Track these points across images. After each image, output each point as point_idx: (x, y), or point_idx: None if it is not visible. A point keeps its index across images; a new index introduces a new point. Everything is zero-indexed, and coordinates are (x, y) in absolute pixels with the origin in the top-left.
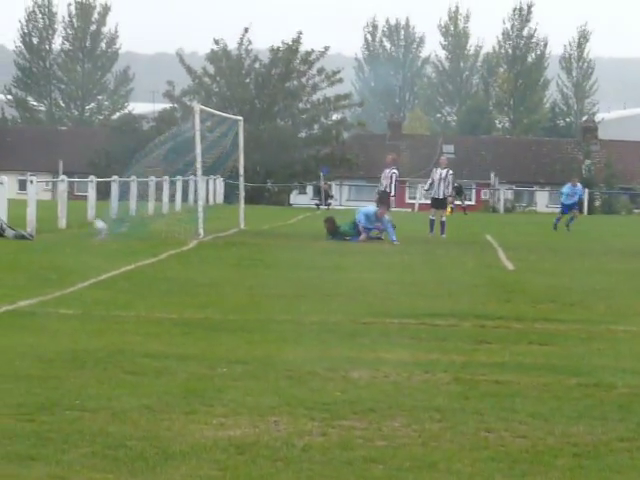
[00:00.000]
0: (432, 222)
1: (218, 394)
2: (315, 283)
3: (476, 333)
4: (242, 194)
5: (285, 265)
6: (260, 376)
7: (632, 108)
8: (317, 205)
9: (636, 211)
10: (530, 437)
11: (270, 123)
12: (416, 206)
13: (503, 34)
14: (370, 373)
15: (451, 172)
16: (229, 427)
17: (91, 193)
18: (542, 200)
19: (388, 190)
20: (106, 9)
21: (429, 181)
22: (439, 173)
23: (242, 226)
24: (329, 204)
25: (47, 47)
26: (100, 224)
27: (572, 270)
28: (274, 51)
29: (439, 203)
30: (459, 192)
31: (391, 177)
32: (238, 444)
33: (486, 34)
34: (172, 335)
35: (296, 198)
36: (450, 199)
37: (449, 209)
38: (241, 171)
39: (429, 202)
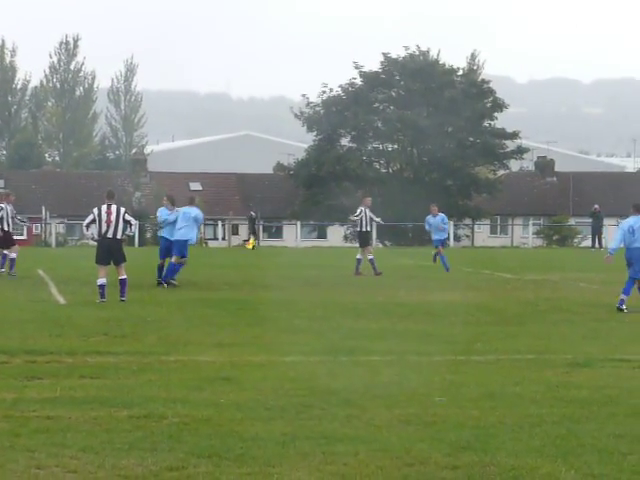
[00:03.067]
0: None
1: None
2: None
3: (27, 369)
4: None
5: None
6: None
7: (180, 140)
8: None
9: (213, 243)
10: (81, 471)
11: None
12: None
13: (50, 68)
14: None
15: None
16: None
17: None
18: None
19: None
20: None
21: None
22: None
23: None
24: None
25: None
26: None
27: (123, 302)
28: None
29: None
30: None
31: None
32: None
33: (33, 68)
34: None
35: None
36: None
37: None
38: None
39: None
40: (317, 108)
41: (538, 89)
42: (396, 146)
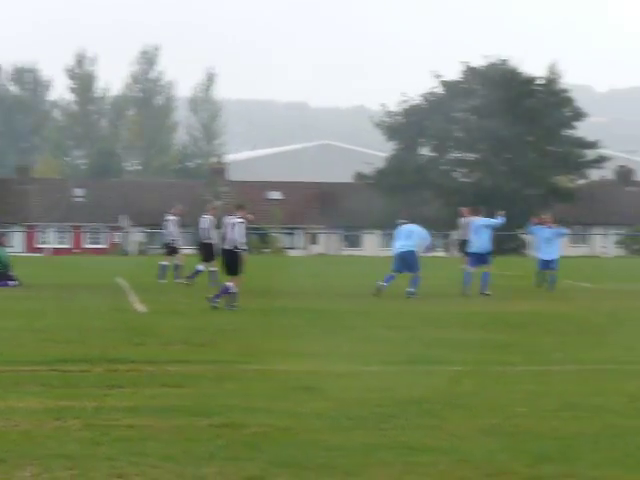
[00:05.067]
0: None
1: None
2: None
3: (108, 378)
4: None
5: None
6: None
7: (260, 149)
8: None
9: (266, 250)
10: None
11: None
12: (47, 251)
13: (130, 77)
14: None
15: None
16: None
17: None
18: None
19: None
20: None
21: None
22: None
23: None
24: None
25: None
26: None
27: (203, 310)
28: None
29: None
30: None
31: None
32: None
33: (114, 77)
34: None
35: None
36: None
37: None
38: None
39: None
40: (397, 117)
41: (618, 98)
42: (476, 155)
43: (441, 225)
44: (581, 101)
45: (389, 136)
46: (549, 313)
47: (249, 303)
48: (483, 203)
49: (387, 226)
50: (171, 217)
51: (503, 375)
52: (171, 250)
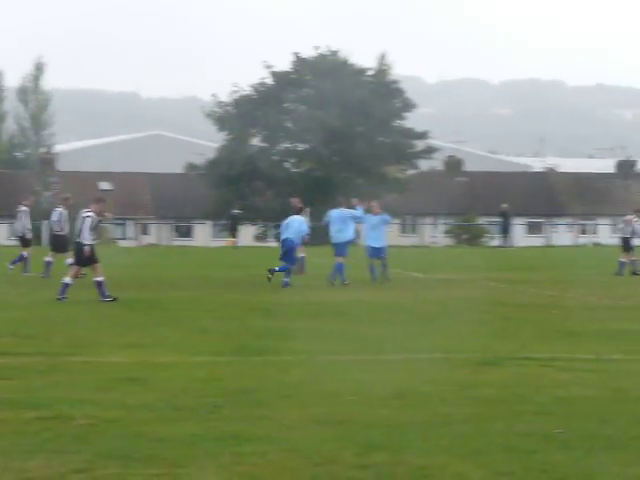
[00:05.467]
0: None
1: None
2: None
3: None
4: None
5: None
6: None
7: (90, 139)
8: None
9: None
10: None
11: None
12: None
13: None
14: None
15: None
16: None
17: None
18: (2, 233)
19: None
20: None
21: None
22: None
23: None
24: None
25: None
26: None
27: (32, 302)
28: None
29: None
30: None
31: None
32: None
33: None
34: None
35: None
36: None
37: None
38: None
39: None
40: (228, 108)
41: (447, 89)
42: (307, 146)
43: (272, 216)
44: (410, 92)
45: (220, 127)
46: (379, 302)
47: (79, 295)
48: (314, 193)
49: (218, 216)
50: (24, 208)
51: (333, 364)
52: (24, 242)
